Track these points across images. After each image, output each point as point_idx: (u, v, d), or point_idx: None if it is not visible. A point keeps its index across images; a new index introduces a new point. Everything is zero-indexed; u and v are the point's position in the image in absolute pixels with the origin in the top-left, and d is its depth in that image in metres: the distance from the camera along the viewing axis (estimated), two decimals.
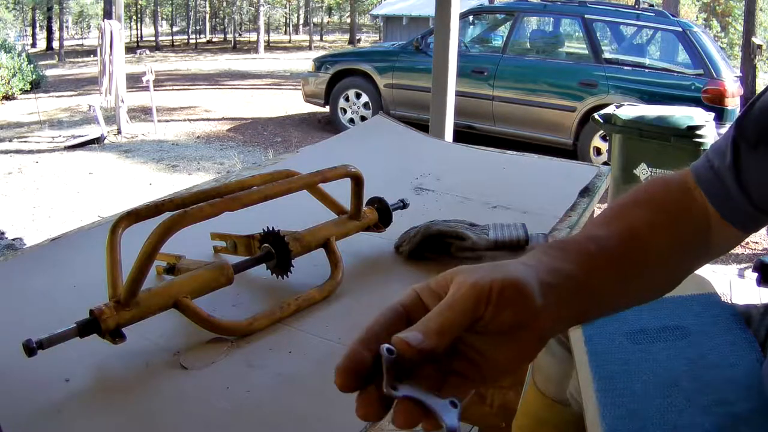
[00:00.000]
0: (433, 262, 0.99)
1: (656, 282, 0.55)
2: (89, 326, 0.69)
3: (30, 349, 0.65)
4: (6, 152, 6.24)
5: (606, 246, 0.51)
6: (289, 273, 0.90)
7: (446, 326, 0.40)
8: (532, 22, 6.92)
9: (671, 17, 5.58)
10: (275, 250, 0.89)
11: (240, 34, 29.66)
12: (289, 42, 28.94)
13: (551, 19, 6.59)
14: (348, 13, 32.23)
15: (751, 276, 2.91)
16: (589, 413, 0.57)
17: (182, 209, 0.77)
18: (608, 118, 3.15)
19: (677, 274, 0.57)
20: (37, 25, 28.91)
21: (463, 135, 5.27)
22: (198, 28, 31.30)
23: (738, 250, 3.77)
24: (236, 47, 24.61)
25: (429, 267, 0.99)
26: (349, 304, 0.88)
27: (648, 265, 0.53)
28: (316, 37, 28.61)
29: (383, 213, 1.05)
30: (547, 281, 0.44)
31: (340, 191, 1.01)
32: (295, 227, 0.94)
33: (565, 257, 0.48)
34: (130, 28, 28.80)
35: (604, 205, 3.52)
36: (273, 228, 0.90)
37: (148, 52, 20.96)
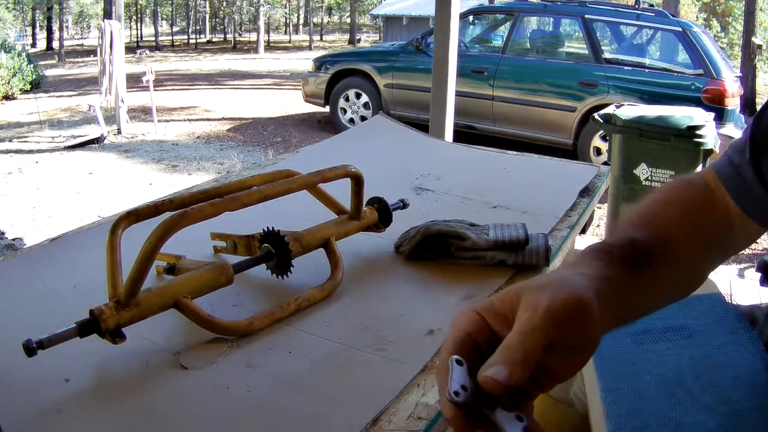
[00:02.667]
0: (433, 262, 0.99)
1: (685, 282, 0.57)
2: (89, 326, 0.69)
3: (30, 349, 0.64)
4: (6, 152, 6.25)
5: (645, 251, 0.52)
6: (289, 273, 0.90)
7: (530, 354, 0.40)
8: (532, 22, 6.92)
9: (671, 17, 5.58)
10: (275, 250, 0.89)
11: (240, 34, 29.67)
12: (289, 42, 28.94)
13: (551, 19, 6.59)
14: (348, 13, 32.23)
15: (752, 276, 2.91)
16: (594, 412, 0.57)
17: (182, 209, 0.77)
18: (608, 118, 3.15)
19: (703, 273, 0.58)
20: (37, 25, 28.91)
21: (463, 135, 5.27)
22: (198, 28, 31.30)
23: None
24: (236, 47, 24.62)
25: (429, 267, 0.99)
26: (349, 304, 0.88)
27: (679, 267, 0.55)
28: (316, 37, 28.61)
29: (383, 213, 1.05)
30: (601, 290, 0.45)
31: (340, 191, 1.01)
32: (295, 227, 0.94)
33: (611, 262, 0.49)
34: (130, 28, 28.81)
35: (605, 205, 3.51)
36: (273, 228, 0.89)
37: (148, 52, 20.96)
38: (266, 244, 0.90)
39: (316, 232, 0.95)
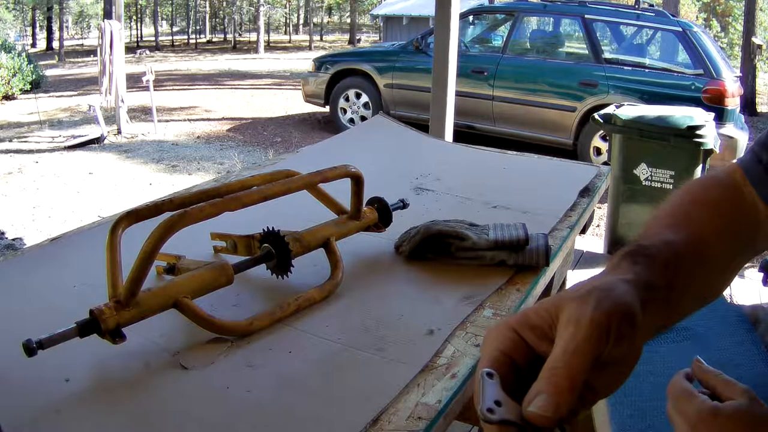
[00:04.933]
0: (434, 262, 0.99)
1: (716, 284, 0.55)
2: (89, 326, 0.69)
3: (30, 349, 0.64)
4: (6, 152, 6.25)
5: (682, 254, 0.50)
6: (289, 273, 0.90)
7: (577, 378, 0.36)
8: (532, 22, 6.92)
9: (671, 17, 5.58)
10: (275, 250, 0.89)
11: (240, 34, 29.67)
12: (289, 42, 28.94)
13: (551, 19, 6.59)
14: (348, 13, 32.23)
15: (752, 276, 2.90)
16: (598, 413, 0.57)
17: (182, 209, 0.77)
18: (608, 118, 3.15)
19: (732, 273, 0.57)
20: (37, 25, 28.91)
21: (463, 135, 5.27)
22: (198, 28, 31.30)
23: None
24: (236, 47, 24.62)
25: (429, 267, 0.99)
26: (349, 304, 0.88)
27: (712, 269, 0.53)
28: (316, 37, 28.61)
29: (383, 213, 1.05)
30: (645, 297, 0.42)
31: (340, 191, 1.01)
32: (295, 227, 0.94)
33: (652, 267, 0.46)
34: (130, 28, 28.81)
35: (605, 205, 3.50)
36: (273, 228, 0.89)
37: (148, 52, 20.97)
38: (266, 244, 0.89)
39: (316, 232, 0.95)
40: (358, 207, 1.00)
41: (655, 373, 0.60)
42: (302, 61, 14.95)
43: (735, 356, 0.61)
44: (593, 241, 3.53)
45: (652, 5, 6.17)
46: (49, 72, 13.32)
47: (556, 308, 0.40)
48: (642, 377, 0.59)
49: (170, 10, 31.39)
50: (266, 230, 0.90)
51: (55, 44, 22.78)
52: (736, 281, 3.00)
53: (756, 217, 0.57)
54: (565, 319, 0.38)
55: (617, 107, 3.28)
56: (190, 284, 0.78)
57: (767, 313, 0.66)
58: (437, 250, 0.99)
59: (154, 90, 7.33)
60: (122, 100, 6.76)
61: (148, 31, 32.06)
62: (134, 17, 29.62)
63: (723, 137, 3.95)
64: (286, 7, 30.46)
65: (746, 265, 2.89)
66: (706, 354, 0.61)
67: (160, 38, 26.04)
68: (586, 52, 5.66)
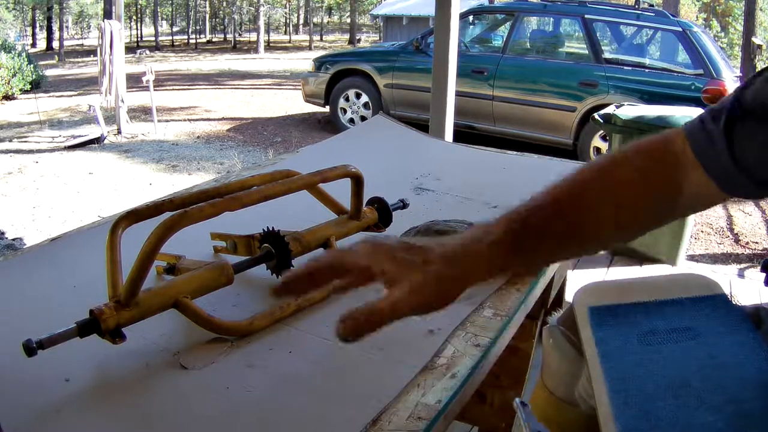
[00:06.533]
0: None
1: (620, 219, 0.62)
2: (89, 326, 0.69)
3: (30, 349, 0.64)
4: (6, 152, 6.25)
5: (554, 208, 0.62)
6: None
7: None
8: (532, 22, 6.93)
9: (671, 17, 5.58)
10: (275, 250, 0.89)
11: (240, 34, 29.68)
12: (289, 42, 28.95)
13: (551, 19, 6.59)
14: (348, 13, 32.24)
15: (752, 276, 2.90)
16: (602, 415, 0.57)
17: (182, 209, 0.77)
18: (608, 118, 3.15)
19: (644, 214, 0.63)
20: (37, 25, 28.92)
21: (463, 135, 5.27)
22: (198, 28, 31.30)
23: (738, 250, 3.77)
24: (236, 47, 24.62)
25: None
26: (349, 304, 0.87)
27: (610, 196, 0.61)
28: (316, 37, 28.62)
29: (383, 213, 1.05)
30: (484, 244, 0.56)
31: (340, 191, 1.01)
32: (295, 227, 0.94)
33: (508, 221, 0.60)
34: (130, 28, 28.82)
35: None
36: (273, 228, 0.89)
37: (148, 52, 20.97)
38: (266, 244, 0.90)
39: (316, 232, 0.95)
40: (358, 207, 1.00)
41: (658, 374, 0.60)
42: (302, 61, 14.95)
43: (738, 356, 0.61)
44: None
45: (652, 5, 6.18)
46: (49, 72, 13.33)
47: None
48: (645, 378, 0.59)
49: (170, 10, 31.40)
50: (266, 230, 0.90)
51: (55, 44, 22.78)
52: (736, 281, 3.00)
53: (677, 162, 0.62)
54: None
55: (617, 107, 3.28)
56: (190, 284, 0.78)
57: None
58: None
59: (154, 90, 7.33)
60: (122, 100, 6.76)
61: (148, 31, 32.07)
62: (134, 17, 29.63)
63: None
64: (286, 7, 30.47)
65: (746, 265, 2.87)
66: (708, 354, 0.61)
67: (160, 38, 26.04)
68: (586, 52, 5.66)
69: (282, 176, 0.93)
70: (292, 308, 0.84)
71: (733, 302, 0.67)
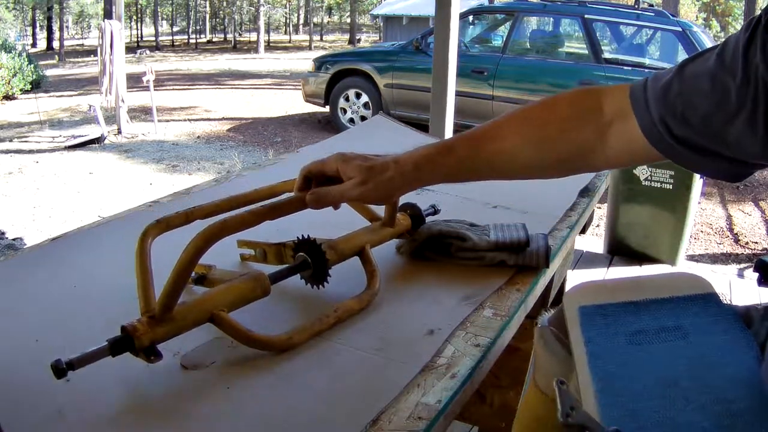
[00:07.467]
0: (434, 262, 0.99)
1: (513, 166, 0.74)
2: (122, 344, 0.65)
3: (60, 370, 0.60)
4: (6, 152, 6.25)
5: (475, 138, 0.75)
6: (325, 283, 0.85)
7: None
8: (532, 22, 6.93)
9: (671, 17, 5.59)
10: (311, 259, 0.84)
11: (240, 34, 29.69)
12: (289, 42, 28.95)
13: (551, 19, 6.60)
14: (348, 13, 32.24)
15: (751, 276, 2.91)
16: (590, 414, 0.57)
17: (221, 219, 0.72)
18: None
19: (556, 146, 0.71)
20: (38, 25, 28.93)
21: None
22: (198, 28, 31.31)
23: (738, 249, 3.77)
24: (236, 47, 24.63)
25: (430, 267, 0.99)
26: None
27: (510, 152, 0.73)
28: (316, 37, 28.62)
29: (416, 219, 1.01)
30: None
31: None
32: (316, 234, 0.89)
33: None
34: (130, 28, 28.83)
35: (605, 205, 3.51)
36: (308, 236, 0.85)
37: (148, 52, 20.98)
38: (301, 253, 0.85)
39: (351, 240, 0.90)
40: (393, 214, 0.96)
41: (646, 373, 0.60)
42: (302, 61, 14.96)
43: (728, 356, 0.61)
44: (593, 241, 3.53)
45: (652, 5, 6.18)
46: (49, 72, 13.33)
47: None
48: (633, 378, 0.59)
49: (170, 10, 31.41)
50: (300, 238, 0.85)
51: (56, 44, 22.80)
52: (735, 281, 3.00)
53: (600, 107, 0.69)
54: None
55: None
56: (225, 297, 0.74)
57: (761, 313, 0.66)
58: (437, 250, 1.00)
59: (155, 90, 7.33)
60: (122, 100, 6.77)
61: (148, 31, 32.09)
62: (134, 17, 29.64)
63: None
64: (286, 7, 30.47)
65: (745, 265, 2.88)
66: (698, 353, 0.61)
67: (161, 38, 26.05)
68: (586, 52, 5.67)
69: None
70: (331, 320, 0.79)
71: (725, 301, 0.67)
